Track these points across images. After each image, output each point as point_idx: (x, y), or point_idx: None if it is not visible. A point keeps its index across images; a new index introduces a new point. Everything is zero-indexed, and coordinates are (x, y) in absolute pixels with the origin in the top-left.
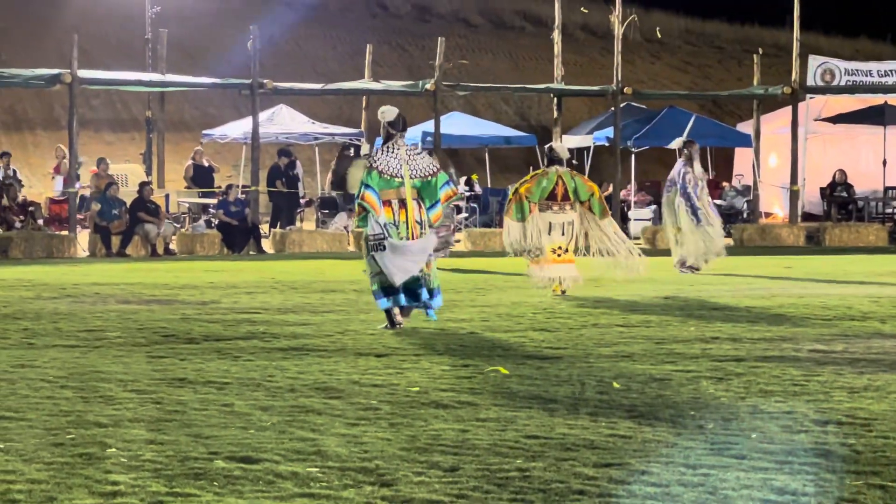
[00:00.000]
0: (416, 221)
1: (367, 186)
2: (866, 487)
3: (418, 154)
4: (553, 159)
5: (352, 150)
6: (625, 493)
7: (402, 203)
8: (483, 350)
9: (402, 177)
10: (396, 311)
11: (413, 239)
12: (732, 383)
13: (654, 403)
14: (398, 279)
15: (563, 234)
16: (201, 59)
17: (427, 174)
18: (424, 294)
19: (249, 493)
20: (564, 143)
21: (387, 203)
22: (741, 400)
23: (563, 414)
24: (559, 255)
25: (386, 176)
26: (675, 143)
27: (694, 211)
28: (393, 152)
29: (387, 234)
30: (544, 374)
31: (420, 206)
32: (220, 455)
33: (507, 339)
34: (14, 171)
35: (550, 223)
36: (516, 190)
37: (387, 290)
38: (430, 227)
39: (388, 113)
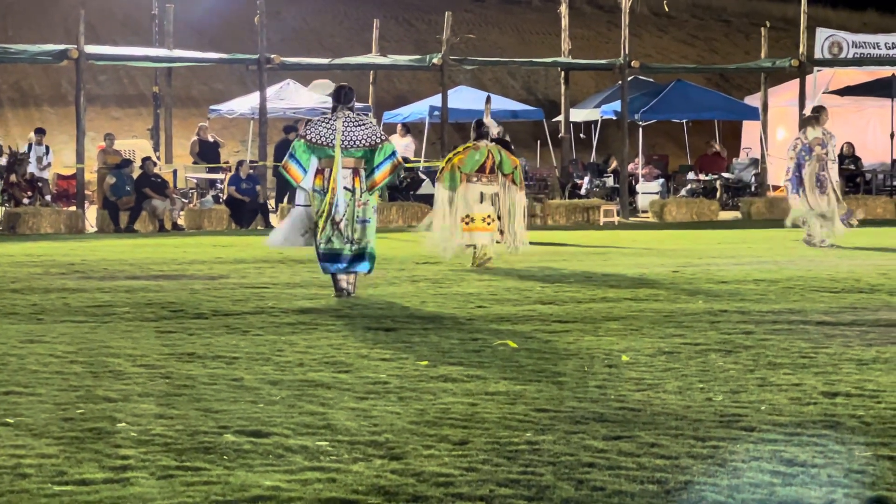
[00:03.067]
0: (347, 189)
1: (291, 156)
2: (875, 459)
3: (359, 125)
4: (482, 134)
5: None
6: (634, 465)
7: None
8: (492, 324)
9: (332, 146)
10: (342, 276)
11: (337, 206)
12: (741, 356)
13: (662, 376)
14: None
15: (492, 203)
16: (208, 34)
17: (366, 144)
18: (344, 260)
19: (259, 467)
20: (497, 124)
21: (321, 171)
22: (750, 372)
23: (572, 387)
24: (488, 224)
25: (314, 144)
26: (806, 109)
27: (796, 177)
28: (327, 123)
29: (307, 203)
30: (553, 347)
31: (356, 175)
32: (229, 429)
33: (515, 313)
34: (47, 148)
35: (482, 193)
36: (449, 160)
37: (327, 256)
38: (369, 192)
39: (324, 87)
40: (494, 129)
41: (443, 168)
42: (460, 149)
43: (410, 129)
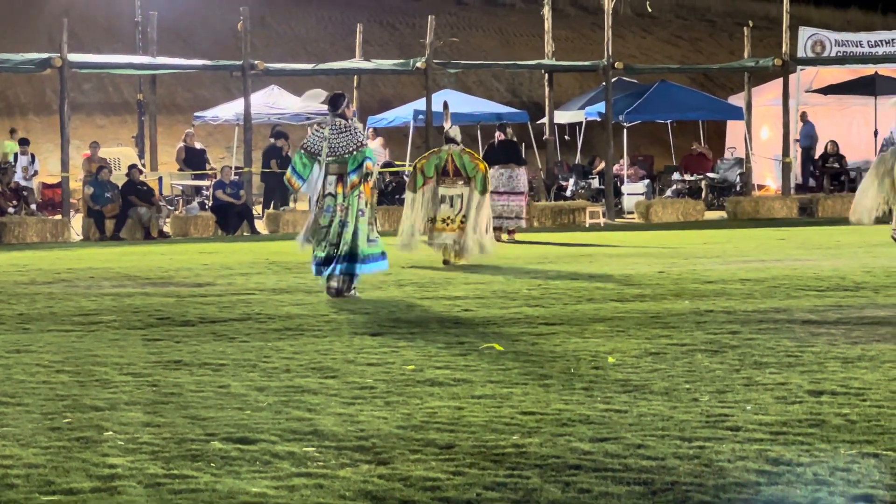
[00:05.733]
0: (331, 194)
1: (291, 167)
2: (860, 456)
3: (342, 131)
4: (447, 139)
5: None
6: (621, 467)
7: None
8: (478, 327)
9: (321, 154)
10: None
11: (325, 212)
12: (727, 356)
13: (648, 377)
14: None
15: (451, 205)
16: (192, 40)
17: (346, 151)
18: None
19: (246, 474)
20: (453, 129)
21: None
22: (736, 372)
23: (559, 389)
24: (447, 225)
25: (310, 154)
26: (892, 102)
27: None
28: (319, 132)
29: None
30: (539, 349)
31: (340, 182)
32: (216, 436)
33: (501, 316)
34: (32, 157)
35: (442, 195)
36: (415, 165)
37: (318, 260)
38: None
39: (317, 96)
40: (453, 132)
41: (412, 173)
42: (426, 154)
43: (381, 132)
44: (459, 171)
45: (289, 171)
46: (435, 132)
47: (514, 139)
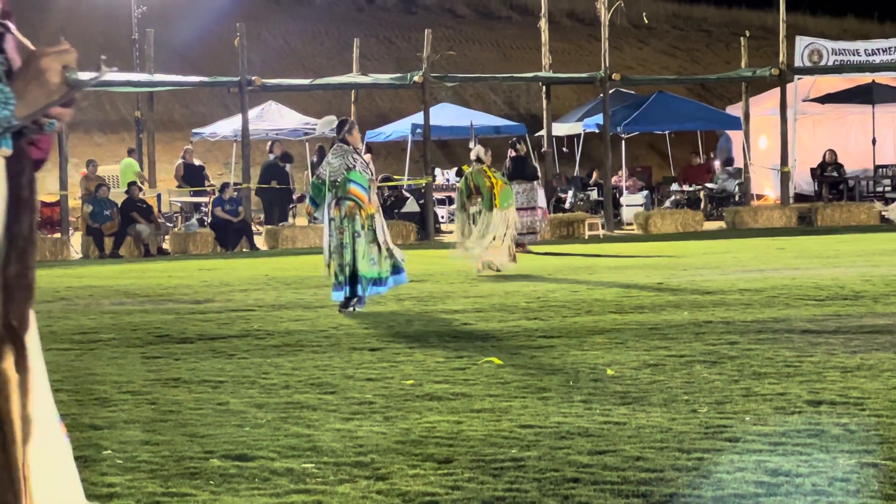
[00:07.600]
0: (332, 219)
1: (308, 195)
2: (859, 466)
3: (339, 156)
4: (474, 161)
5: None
6: (619, 479)
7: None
8: (476, 341)
9: (324, 180)
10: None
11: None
12: (726, 366)
13: (647, 389)
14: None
15: (475, 223)
16: (189, 57)
17: (338, 175)
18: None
19: (245, 491)
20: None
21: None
22: (734, 383)
23: (557, 402)
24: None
25: (320, 180)
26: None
27: None
28: (326, 157)
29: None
30: (538, 363)
31: (337, 206)
32: (215, 454)
33: (500, 329)
34: None
35: (472, 214)
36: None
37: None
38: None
39: (329, 123)
40: (472, 153)
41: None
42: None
43: (379, 146)
44: (479, 190)
45: (306, 200)
46: (433, 146)
47: (527, 155)
